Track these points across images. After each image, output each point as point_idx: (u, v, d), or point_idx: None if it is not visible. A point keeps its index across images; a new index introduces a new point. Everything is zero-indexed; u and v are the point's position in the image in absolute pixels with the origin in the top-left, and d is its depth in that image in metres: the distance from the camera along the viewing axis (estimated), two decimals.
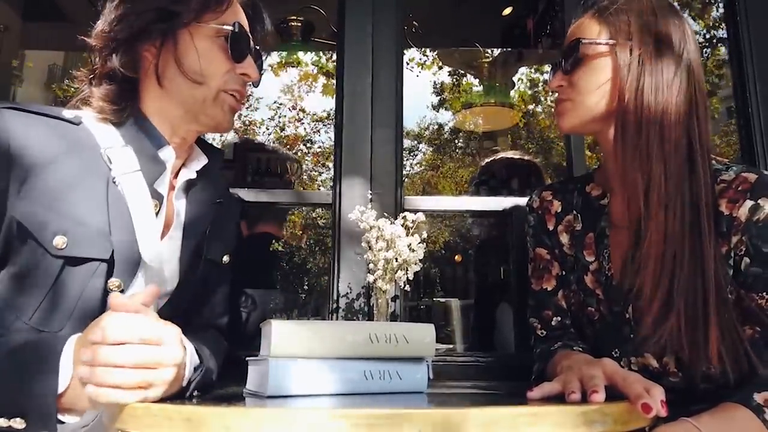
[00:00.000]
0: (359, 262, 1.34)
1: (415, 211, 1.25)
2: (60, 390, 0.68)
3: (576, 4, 1.66)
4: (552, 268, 1.11)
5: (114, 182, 0.87)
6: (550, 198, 1.13)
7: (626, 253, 0.99)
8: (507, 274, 2.20)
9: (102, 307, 0.82)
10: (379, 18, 1.48)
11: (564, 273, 1.09)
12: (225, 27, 0.94)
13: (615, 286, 0.99)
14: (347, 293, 1.34)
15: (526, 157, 1.98)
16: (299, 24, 2.53)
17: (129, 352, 0.64)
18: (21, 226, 0.79)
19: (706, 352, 0.86)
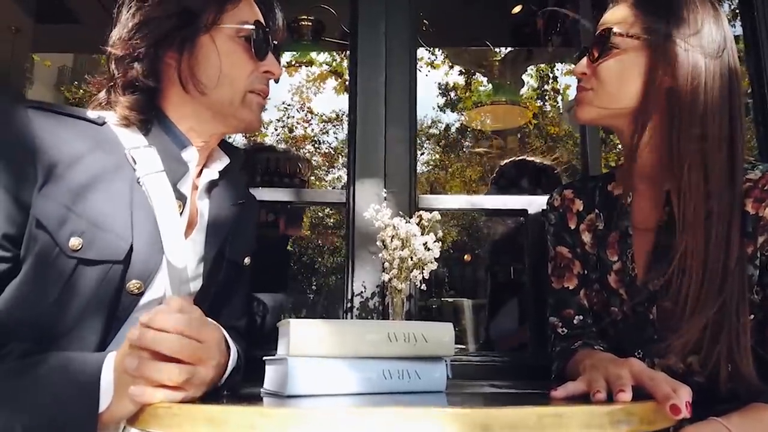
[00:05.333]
0: (373, 261, 1.33)
1: (430, 210, 1.24)
2: (101, 410, 0.68)
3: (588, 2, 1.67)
4: (573, 266, 1.09)
5: (138, 183, 0.87)
6: (571, 196, 1.12)
7: (651, 253, 0.97)
8: (518, 273, 2.19)
9: (116, 307, 0.82)
10: (392, 18, 1.47)
11: (586, 272, 1.08)
12: (246, 26, 0.93)
13: (639, 286, 0.98)
14: (361, 292, 1.34)
15: (545, 161, 1.96)
16: (310, 24, 2.53)
17: (170, 340, 0.66)
18: (39, 223, 0.78)
19: (730, 355, 0.85)
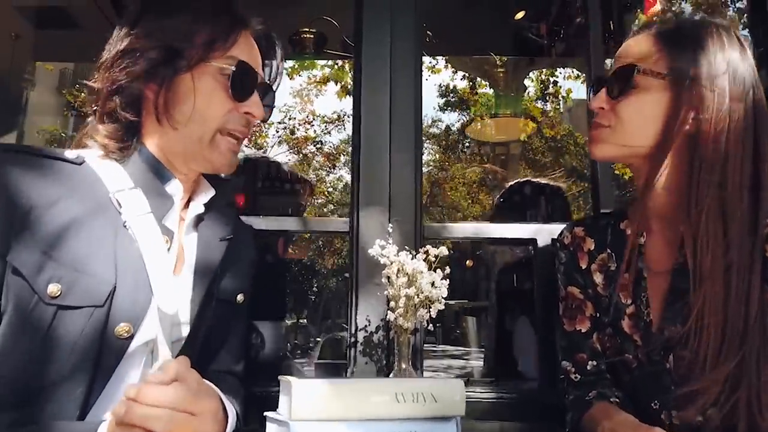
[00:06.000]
0: (378, 293, 1.29)
1: (436, 240, 1.19)
2: None
3: (597, 8, 1.61)
4: (585, 308, 1.05)
5: (125, 226, 0.84)
6: (582, 235, 1.07)
7: (667, 297, 0.93)
8: (521, 282, 2.15)
9: (100, 353, 0.78)
10: (397, 38, 1.43)
11: (598, 314, 1.04)
12: (228, 67, 0.90)
13: (654, 333, 0.94)
14: (365, 326, 1.30)
15: (551, 182, 1.93)
16: (312, 36, 2.49)
17: (161, 417, 0.62)
18: (16, 270, 0.76)
19: (749, 410, 0.81)
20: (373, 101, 1.42)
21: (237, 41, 0.92)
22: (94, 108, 0.91)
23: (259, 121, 0.98)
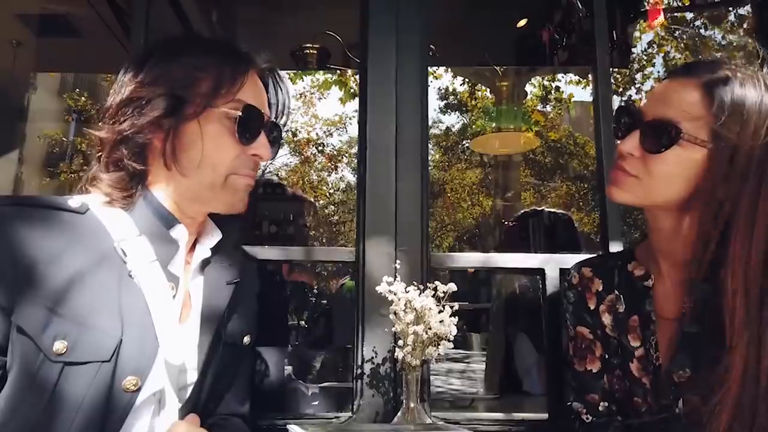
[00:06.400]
0: (385, 324, 1.28)
1: (443, 270, 1.18)
2: None
3: (604, 19, 1.59)
4: (595, 348, 1.04)
5: (130, 275, 0.83)
6: (590, 275, 1.06)
7: (676, 341, 0.93)
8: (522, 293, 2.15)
9: (107, 408, 0.77)
10: (403, 65, 1.42)
11: (607, 355, 1.03)
12: (233, 112, 0.88)
13: (664, 377, 0.93)
14: (372, 357, 1.29)
15: (558, 211, 1.92)
16: (315, 52, 2.48)
17: None
18: (21, 329, 0.75)
19: None
20: (379, 130, 1.41)
21: (244, 84, 0.90)
22: (99, 155, 0.90)
23: (266, 161, 0.97)
